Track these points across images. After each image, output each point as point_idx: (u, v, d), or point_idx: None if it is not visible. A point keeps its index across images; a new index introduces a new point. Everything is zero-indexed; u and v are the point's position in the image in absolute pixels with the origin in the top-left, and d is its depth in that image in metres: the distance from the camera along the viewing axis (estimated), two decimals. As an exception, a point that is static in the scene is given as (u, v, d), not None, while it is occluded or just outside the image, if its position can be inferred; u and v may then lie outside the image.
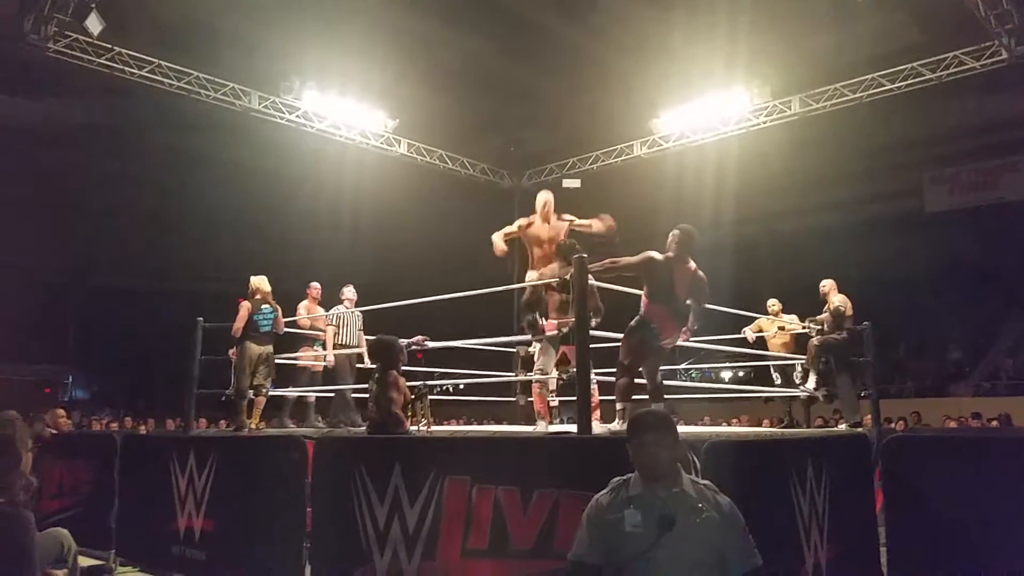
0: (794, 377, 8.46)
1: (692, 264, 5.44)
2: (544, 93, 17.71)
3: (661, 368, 5.72)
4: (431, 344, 6.61)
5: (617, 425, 5.22)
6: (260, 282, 7.77)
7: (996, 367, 20.04)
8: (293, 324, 8.38)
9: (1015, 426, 12.33)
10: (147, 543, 6.05)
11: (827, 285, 8.12)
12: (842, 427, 7.92)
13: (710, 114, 15.39)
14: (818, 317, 8.14)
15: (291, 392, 8.61)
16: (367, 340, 7.61)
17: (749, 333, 8.60)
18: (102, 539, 6.26)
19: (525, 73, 17.10)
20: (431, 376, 7.70)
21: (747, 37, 14.20)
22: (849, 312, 7.85)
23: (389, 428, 5.30)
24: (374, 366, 5.86)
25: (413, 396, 5.71)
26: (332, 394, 8.44)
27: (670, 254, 5.39)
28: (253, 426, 7.63)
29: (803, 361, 8.22)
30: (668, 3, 14.33)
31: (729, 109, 15.14)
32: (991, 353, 20.58)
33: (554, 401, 6.65)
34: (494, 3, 14.89)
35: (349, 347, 8.29)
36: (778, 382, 8.74)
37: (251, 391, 7.54)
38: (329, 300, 8.80)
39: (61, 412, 9.16)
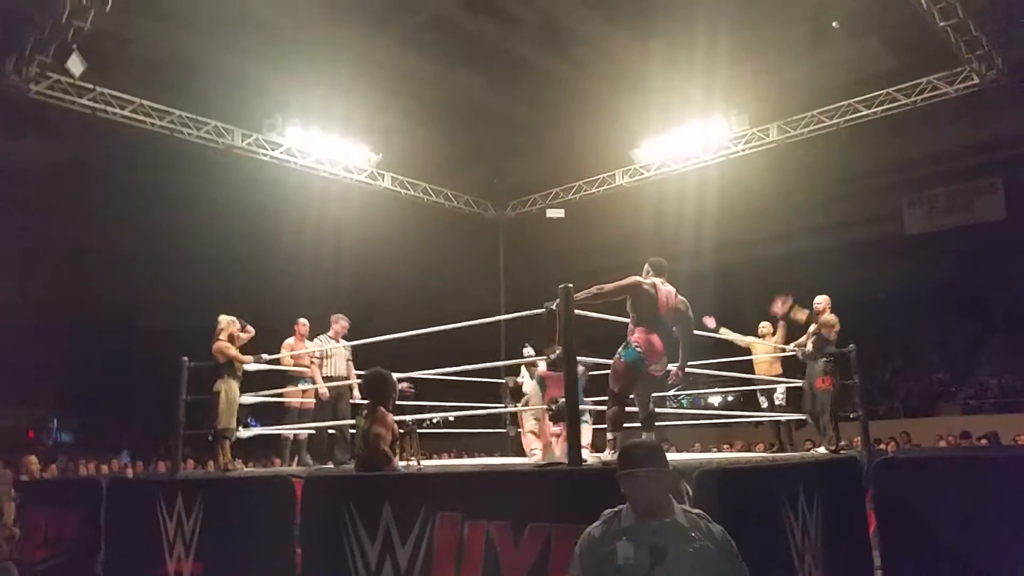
0: (774, 399, 8.46)
1: (672, 288, 5.50)
2: (526, 125, 17.90)
3: (652, 395, 5.72)
4: (415, 388, 6.58)
5: (608, 455, 5.20)
6: None
7: (982, 385, 20.18)
8: (276, 363, 8.30)
9: (1003, 444, 12.38)
10: (134, 589, 5.94)
11: (822, 302, 8.02)
12: (820, 450, 7.88)
13: (690, 143, 15.58)
14: (800, 340, 8.13)
15: (284, 430, 8.52)
16: (361, 374, 7.42)
17: (731, 334, 8.59)
18: (88, 587, 6.15)
19: (507, 105, 17.29)
20: (419, 411, 7.64)
21: (725, 67, 14.45)
22: (834, 336, 7.85)
23: (377, 465, 5.25)
24: (364, 401, 5.78)
25: (402, 432, 5.67)
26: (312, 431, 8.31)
27: (655, 279, 5.45)
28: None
29: (789, 385, 8.24)
30: (647, 35, 14.58)
31: (709, 138, 15.33)
32: (977, 371, 20.73)
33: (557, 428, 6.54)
34: (476, 37, 15.09)
35: (335, 379, 8.16)
36: (764, 406, 8.74)
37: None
38: (317, 335, 8.69)
39: (33, 459, 9.02)
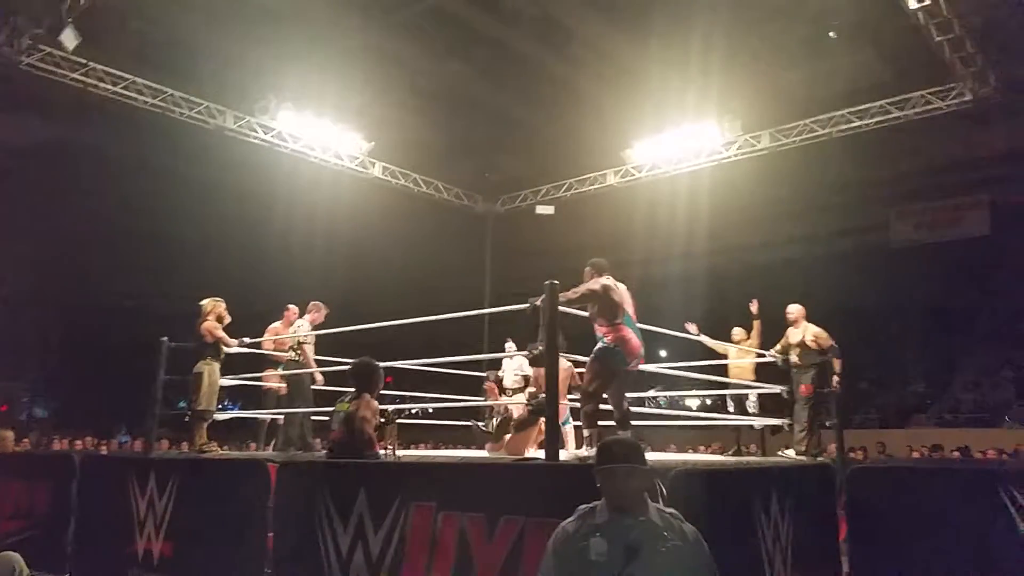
0: (747, 406, 8.53)
1: (622, 284, 5.56)
2: (519, 120, 17.85)
3: (629, 395, 5.73)
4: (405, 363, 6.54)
5: (585, 451, 5.21)
6: None
7: (957, 400, 20.38)
8: (258, 346, 8.27)
9: (974, 457, 12.52)
10: (104, 567, 5.90)
11: (794, 312, 8.03)
12: (789, 452, 7.90)
13: (682, 146, 15.62)
14: (775, 350, 8.15)
15: (261, 414, 8.50)
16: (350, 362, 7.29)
17: (710, 341, 8.67)
18: (57, 562, 6.10)
19: (501, 99, 17.24)
20: (400, 400, 7.64)
21: (719, 72, 14.46)
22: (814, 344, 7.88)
23: (358, 450, 5.23)
24: (352, 388, 5.70)
25: (383, 420, 5.66)
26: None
27: (607, 276, 5.47)
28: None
29: (762, 392, 8.31)
30: (643, 36, 14.56)
31: (701, 141, 15.37)
32: (953, 386, 20.92)
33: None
34: (472, 29, 15.04)
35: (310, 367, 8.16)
36: (731, 410, 8.80)
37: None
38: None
39: (9, 435, 8.94)
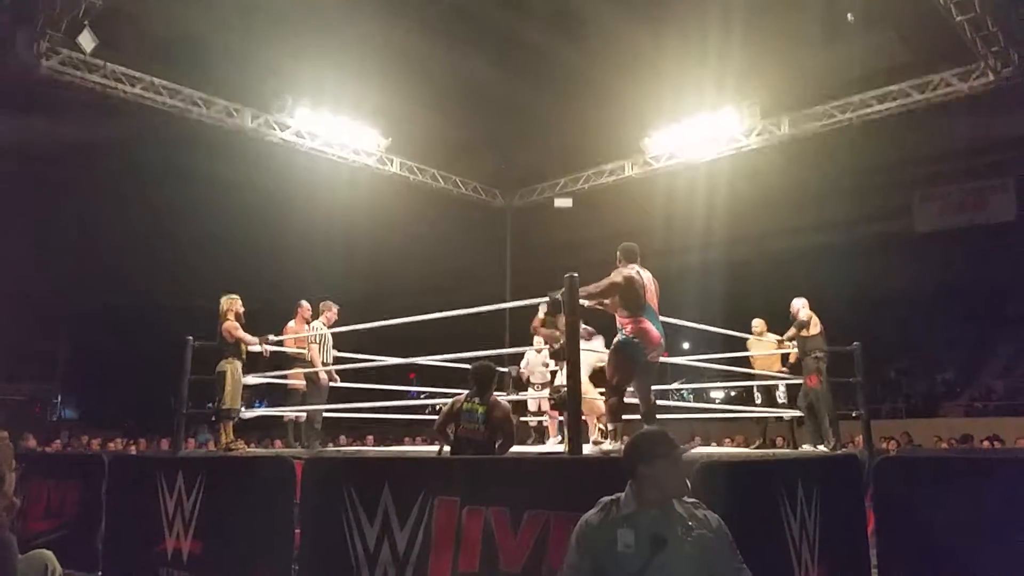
0: (777, 397, 8.46)
1: (647, 271, 5.52)
2: (536, 112, 17.79)
3: (653, 388, 5.70)
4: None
5: (609, 445, 5.20)
6: None
7: (987, 387, 20.09)
8: (280, 344, 8.32)
9: (1006, 447, 12.32)
10: (134, 565, 5.97)
11: (796, 305, 8.04)
12: (820, 448, 7.80)
13: (701, 134, 15.46)
14: (788, 334, 8.11)
15: (287, 412, 8.55)
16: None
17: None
18: (89, 561, 6.18)
19: (517, 92, 17.18)
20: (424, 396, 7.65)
21: (737, 58, 14.31)
22: (816, 329, 7.79)
23: (491, 448, 5.15)
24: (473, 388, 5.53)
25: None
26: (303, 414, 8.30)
27: (632, 266, 5.43)
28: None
29: (789, 382, 8.25)
30: (659, 23, 14.45)
31: (720, 129, 15.21)
32: (982, 373, 20.64)
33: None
34: (487, 22, 15.00)
35: (325, 365, 8.16)
36: (759, 401, 8.74)
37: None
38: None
39: (28, 437, 9.09)
